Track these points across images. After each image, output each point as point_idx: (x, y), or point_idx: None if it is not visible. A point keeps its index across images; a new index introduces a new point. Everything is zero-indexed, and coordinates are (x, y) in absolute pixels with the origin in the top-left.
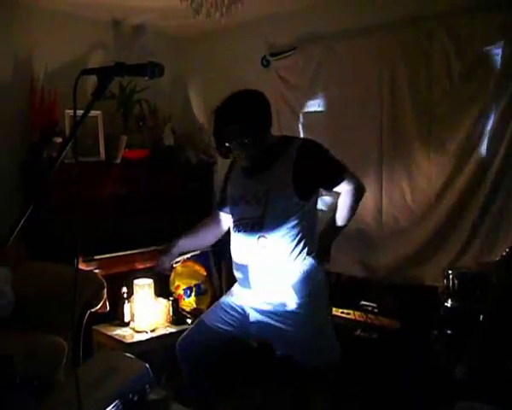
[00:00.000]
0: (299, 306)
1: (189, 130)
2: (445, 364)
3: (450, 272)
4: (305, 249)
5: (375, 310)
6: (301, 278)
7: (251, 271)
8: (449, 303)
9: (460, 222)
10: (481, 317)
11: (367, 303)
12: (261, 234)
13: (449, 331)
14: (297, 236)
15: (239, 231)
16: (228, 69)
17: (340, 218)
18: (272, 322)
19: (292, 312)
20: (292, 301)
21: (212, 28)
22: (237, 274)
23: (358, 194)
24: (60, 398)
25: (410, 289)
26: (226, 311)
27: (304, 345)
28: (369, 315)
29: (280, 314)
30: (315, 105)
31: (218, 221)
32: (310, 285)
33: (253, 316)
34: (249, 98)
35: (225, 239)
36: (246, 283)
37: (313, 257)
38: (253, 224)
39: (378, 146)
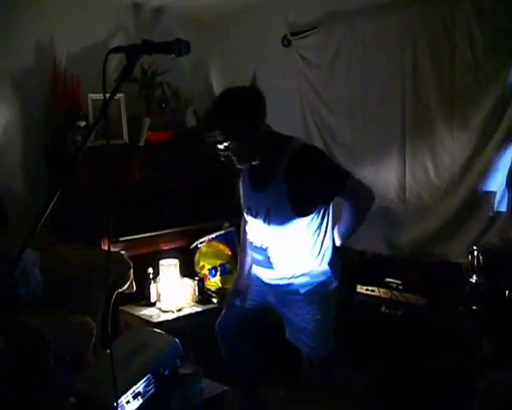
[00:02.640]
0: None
1: None
2: (471, 339)
3: (474, 248)
4: (318, 257)
5: (400, 287)
6: (313, 288)
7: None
8: (474, 279)
9: (484, 198)
10: (507, 292)
11: (392, 280)
12: (269, 255)
13: (474, 307)
14: (307, 247)
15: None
16: (249, 50)
17: (339, 235)
18: (286, 310)
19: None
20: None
21: (232, 9)
22: (255, 255)
23: (362, 207)
24: (93, 373)
25: (435, 265)
26: (251, 288)
27: (310, 336)
28: (394, 292)
29: (293, 304)
30: (337, 83)
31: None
32: (320, 293)
33: (271, 296)
34: (229, 100)
35: None
36: (266, 264)
37: (328, 264)
38: (262, 240)
39: (401, 123)
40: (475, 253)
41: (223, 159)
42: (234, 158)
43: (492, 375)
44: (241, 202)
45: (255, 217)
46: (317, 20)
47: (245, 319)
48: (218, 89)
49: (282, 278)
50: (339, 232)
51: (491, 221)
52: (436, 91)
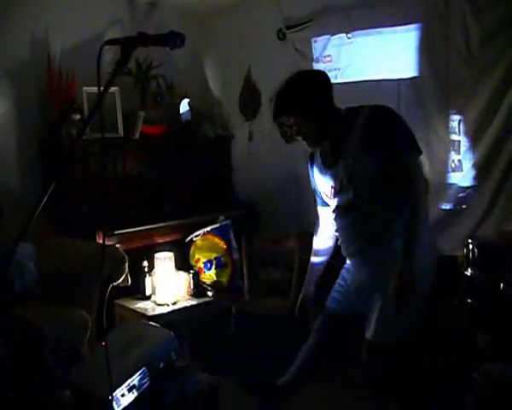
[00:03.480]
0: None
1: (206, 105)
2: (466, 332)
3: (470, 241)
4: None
5: None
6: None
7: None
8: (469, 272)
9: (479, 191)
10: (502, 285)
11: None
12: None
13: (470, 300)
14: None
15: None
16: (244, 43)
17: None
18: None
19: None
20: None
21: (227, 2)
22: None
23: (422, 193)
24: (88, 366)
25: None
26: (336, 288)
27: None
28: None
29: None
30: (332, 77)
31: (322, 221)
32: None
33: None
34: (294, 83)
35: (246, 212)
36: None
37: None
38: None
39: None
40: (470, 246)
41: (289, 142)
42: (305, 142)
43: (488, 365)
44: (320, 188)
45: (337, 193)
46: (313, 13)
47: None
48: (212, 82)
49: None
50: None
51: (485, 214)
52: (431, 83)
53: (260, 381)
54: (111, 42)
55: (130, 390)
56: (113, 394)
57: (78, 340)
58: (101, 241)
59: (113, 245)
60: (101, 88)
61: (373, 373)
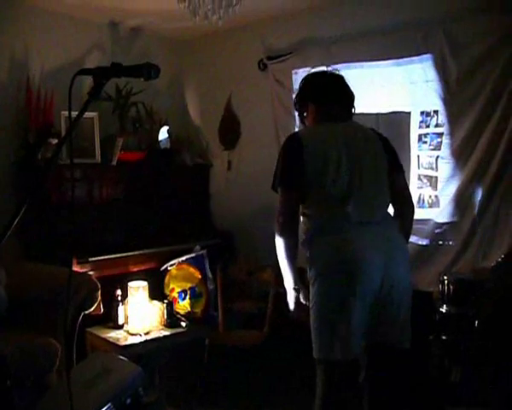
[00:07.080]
0: None
1: (186, 133)
2: (440, 368)
3: (445, 277)
4: None
5: None
6: None
7: None
8: (444, 309)
9: (455, 228)
10: (476, 322)
11: None
12: None
13: (444, 337)
14: None
15: None
16: (225, 72)
17: None
18: None
19: None
20: None
21: (209, 31)
22: None
23: None
24: (52, 399)
25: None
26: None
27: None
28: None
29: None
30: None
31: None
32: None
33: None
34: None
35: (222, 242)
36: None
37: None
38: None
39: None
40: (446, 282)
41: None
42: None
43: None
44: None
45: None
46: (294, 45)
47: None
48: (192, 110)
49: None
50: None
51: (461, 251)
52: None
53: None
54: (84, 71)
55: None
56: None
57: (46, 369)
58: (74, 267)
59: (86, 272)
60: (75, 115)
61: None
